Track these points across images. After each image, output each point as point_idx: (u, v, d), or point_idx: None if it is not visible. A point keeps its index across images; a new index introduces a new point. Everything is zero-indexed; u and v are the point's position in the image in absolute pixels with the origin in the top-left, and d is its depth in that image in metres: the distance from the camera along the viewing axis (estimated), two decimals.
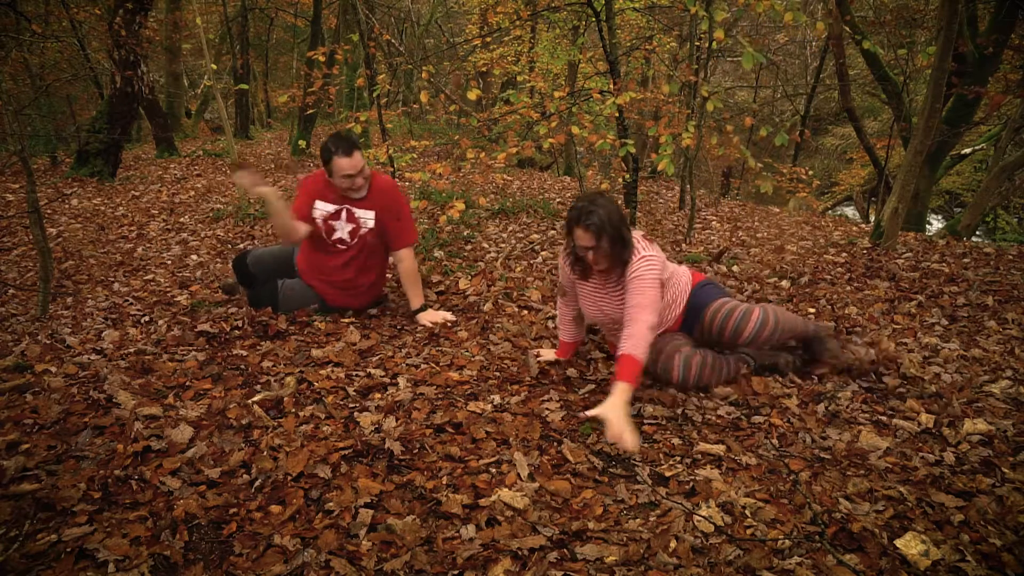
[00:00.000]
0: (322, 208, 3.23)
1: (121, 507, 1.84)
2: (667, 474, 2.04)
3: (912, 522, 1.79)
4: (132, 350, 2.87)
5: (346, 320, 3.24)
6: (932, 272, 4.21)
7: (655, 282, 2.44)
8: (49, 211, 6.40)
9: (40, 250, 3.41)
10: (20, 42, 8.82)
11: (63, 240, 5.43)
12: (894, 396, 2.54)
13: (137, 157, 11.17)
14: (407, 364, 2.77)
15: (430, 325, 3.23)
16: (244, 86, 12.47)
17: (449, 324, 3.25)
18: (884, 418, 2.36)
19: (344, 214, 3.23)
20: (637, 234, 2.54)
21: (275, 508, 1.85)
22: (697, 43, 6.49)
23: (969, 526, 1.77)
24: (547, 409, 2.43)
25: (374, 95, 4.92)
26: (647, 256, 2.46)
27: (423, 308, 3.33)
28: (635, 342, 2.29)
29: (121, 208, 6.91)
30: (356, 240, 3.26)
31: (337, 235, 3.26)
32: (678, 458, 2.13)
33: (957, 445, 2.18)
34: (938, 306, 3.58)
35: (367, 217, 3.25)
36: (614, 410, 2.10)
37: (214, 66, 7.14)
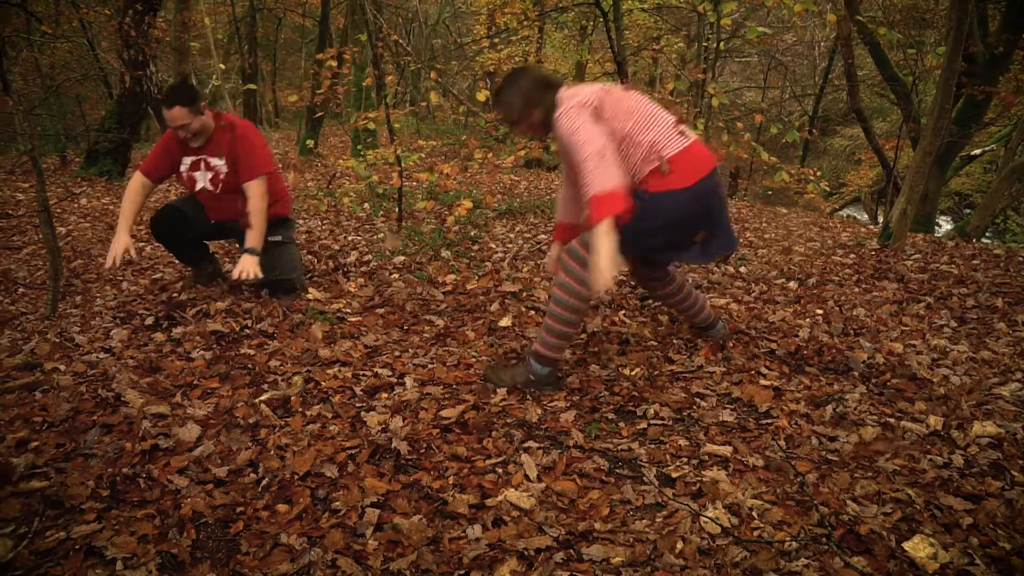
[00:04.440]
0: (185, 162, 3.37)
1: (129, 505, 1.85)
2: (674, 475, 2.04)
3: (920, 525, 1.78)
4: (140, 348, 2.88)
5: (353, 319, 3.25)
6: (941, 274, 4.19)
7: (581, 132, 2.23)
8: (59, 210, 6.43)
9: (50, 249, 3.43)
10: (31, 42, 8.87)
11: (72, 239, 5.45)
12: (902, 398, 2.53)
13: (145, 156, 11.21)
14: (414, 364, 2.77)
15: (239, 269, 3.14)
16: (252, 86, 12.50)
17: (247, 278, 3.15)
18: (892, 420, 2.35)
19: (202, 164, 3.35)
20: (575, 90, 2.38)
21: (282, 507, 1.86)
22: (704, 43, 6.48)
23: (978, 529, 1.76)
24: (558, 408, 2.43)
25: (383, 97, 4.92)
26: (562, 112, 2.31)
27: (252, 251, 3.22)
28: (593, 179, 2.16)
29: None
30: (220, 186, 3.38)
31: (200, 185, 3.39)
32: (685, 459, 2.13)
33: (966, 448, 2.17)
34: (947, 308, 3.56)
35: (220, 164, 3.34)
36: (596, 254, 2.15)
37: (222, 66, 7.16)
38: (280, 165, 10.54)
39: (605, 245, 2.13)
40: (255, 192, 3.29)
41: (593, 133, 2.22)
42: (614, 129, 2.31)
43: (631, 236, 2.34)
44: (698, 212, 2.41)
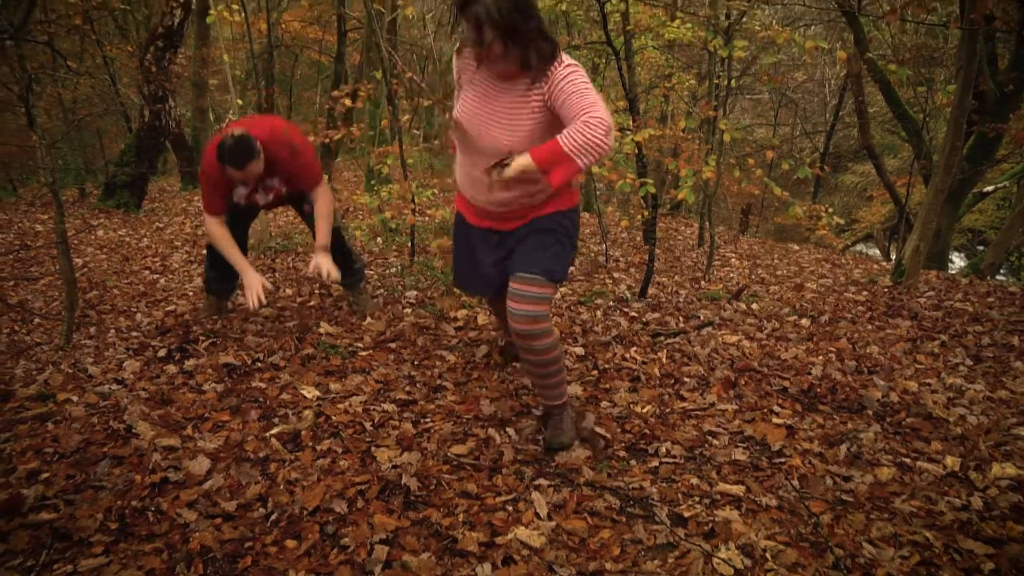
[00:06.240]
0: (238, 192, 3.33)
1: (137, 539, 1.84)
2: (686, 515, 2.01)
3: (939, 569, 1.75)
4: (152, 380, 2.90)
5: (364, 353, 3.25)
6: (955, 311, 4.16)
7: (590, 85, 1.99)
8: (76, 242, 6.52)
9: (66, 280, 3.47)
10: (55, 78, 9.09)
11: (88, 270, 5.52)
12: (918, 438, 2.49)
13: (162, 189, 11.38)
14: (425, 399, 2.77)
15: (317, 268, 3.26)
16: None
17: (330, 280, 3.29)
18: (908, 460, 2.32)
19: (260, 187, 3.35)
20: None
21: (290, 543, 1.84)
22: (716, 80, 6.55)
23: (1000, 575, 1.72)
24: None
25: (398, 133, 5.00)
26: (566, 60, 2.03)
27: (325, 247, 3.34)
28: (573, 128, 1.91)
29: (145, 239, 7.03)
30: (280, 198, 3.45)
31: (261, 203, 3.44)
32: (697, 498, 2.10)
33: (985, 490, 2.13)
34: (962, 346, 3.53)
35: (277, 184, 3.36)
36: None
37: (239, 101, 7.28)
38: None
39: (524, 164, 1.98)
40: (320, 195, 3.37)
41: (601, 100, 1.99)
42: None
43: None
44: None
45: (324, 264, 3.30)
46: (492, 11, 1.91)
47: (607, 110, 1.94)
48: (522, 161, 1.96)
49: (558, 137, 1.92)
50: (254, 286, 3.25)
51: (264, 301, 3.27)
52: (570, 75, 2.00)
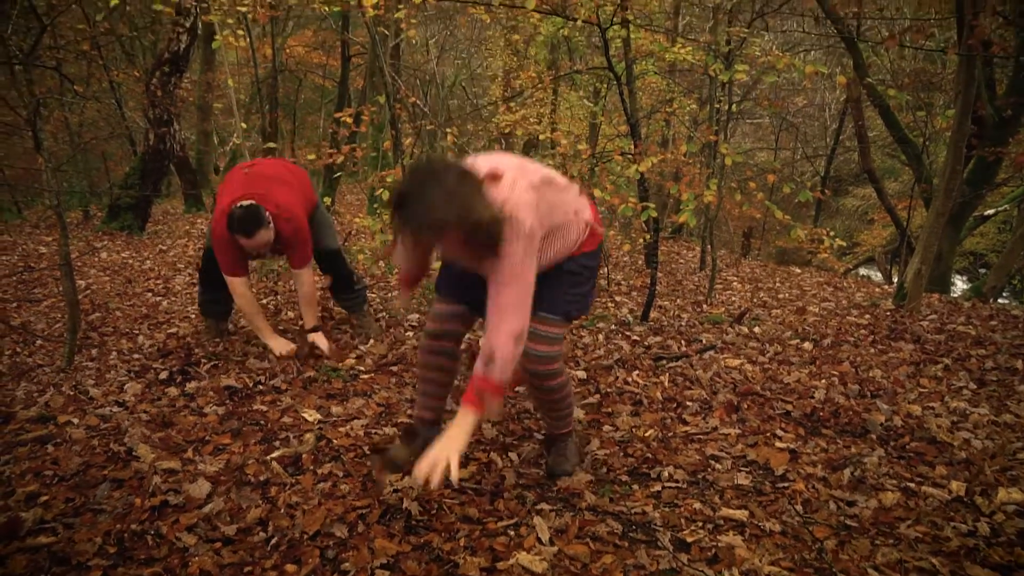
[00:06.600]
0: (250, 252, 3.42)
1: (136, 563, 1.83)
2: (688, 540, 2.00)
3: None
4: (153, 403, 2.89)
5: (366, 376, 3.25)
6: (958, 335, 4.15)
7: (525, 263, 1.90)
8: (80, 264, 6.54)
9: (69, 302, 3.48)
10: (63, 103, 9.18)
11: (91, 292, 5.53)
12: (922, 462, 2.48)
13: (166, 212, 11.43)
14: None
15: (317, 347, 3.44)
16: (272, 144, 12.80)
17: (327, 357, 3.44)
18: (913, 485, 2.30)
19: (267, 252, 3.46)
20: (515, 196, 1.90)
21: (290, 567, 1.83)
22: (716, 105, 6.60)
23: None
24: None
25: (401, 157, 5.03)
26: (512, 231, 1.88)
27: (315, 329, 3.50)
28: (494, 362, 1.87)
29: (148, 261, 7.05)
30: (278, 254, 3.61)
31: (267, 257, 3.65)
32: (700, 523, 2.08)
33: (991, 515, 2.11)
34: (965, 369, 3.52)
35: (279, 247, 3.45)
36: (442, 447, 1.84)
37: (244, 125, 7.34)
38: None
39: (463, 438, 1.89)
40: (306, 280, 3.45)
41: (530, 282, 1.93)
42: (556, 224, 2.07)
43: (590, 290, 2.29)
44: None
45: (322, 344, 3.47)
46: (424, 222, 1.78)
47: (517, 295, 1.89)
48: (464, 432, 1.89)
49: (488, 375, 1.87)
50: (281, 351, 3.39)
51: (292, 353, 3.38)
52: (499, 261, 1.90)
